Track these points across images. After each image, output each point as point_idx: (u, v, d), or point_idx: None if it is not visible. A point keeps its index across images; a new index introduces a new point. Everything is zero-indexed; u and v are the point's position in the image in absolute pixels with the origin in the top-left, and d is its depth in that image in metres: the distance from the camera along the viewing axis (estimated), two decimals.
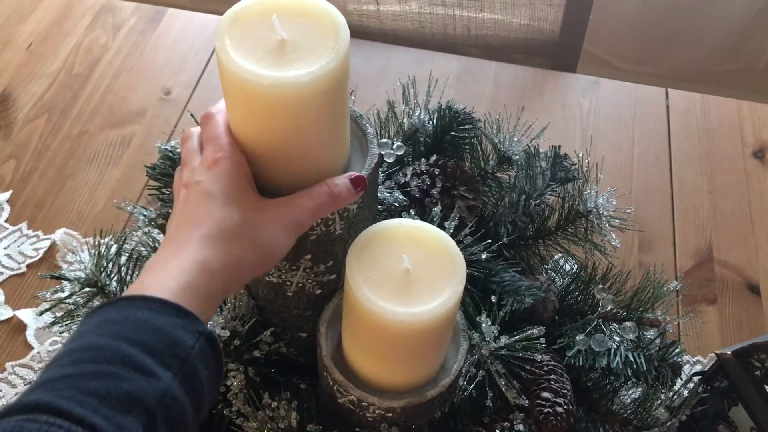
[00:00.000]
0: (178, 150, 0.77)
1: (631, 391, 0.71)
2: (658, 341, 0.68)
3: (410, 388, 0.57)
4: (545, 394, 0.65)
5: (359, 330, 0.53)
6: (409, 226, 0.54)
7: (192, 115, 0.82)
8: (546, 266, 0.80)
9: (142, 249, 0.75)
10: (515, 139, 0.81)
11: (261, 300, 0.63)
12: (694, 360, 0.79)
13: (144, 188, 0.90)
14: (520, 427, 0.63)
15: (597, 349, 0.68)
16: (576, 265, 0.81)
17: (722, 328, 0.83)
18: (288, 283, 0.59)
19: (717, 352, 0.65)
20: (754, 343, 0.61)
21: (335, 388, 0.57)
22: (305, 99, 0.45)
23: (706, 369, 0.69)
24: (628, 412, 0.67)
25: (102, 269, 0.70)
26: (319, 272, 0.58)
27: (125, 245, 0.73)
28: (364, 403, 0.56)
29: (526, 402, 0.64)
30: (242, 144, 0.50)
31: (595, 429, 0.69)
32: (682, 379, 0.68)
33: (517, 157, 0.80)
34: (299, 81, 0.44)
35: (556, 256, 0.83)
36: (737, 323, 0.83)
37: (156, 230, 0.77)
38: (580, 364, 0.69)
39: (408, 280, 0.51)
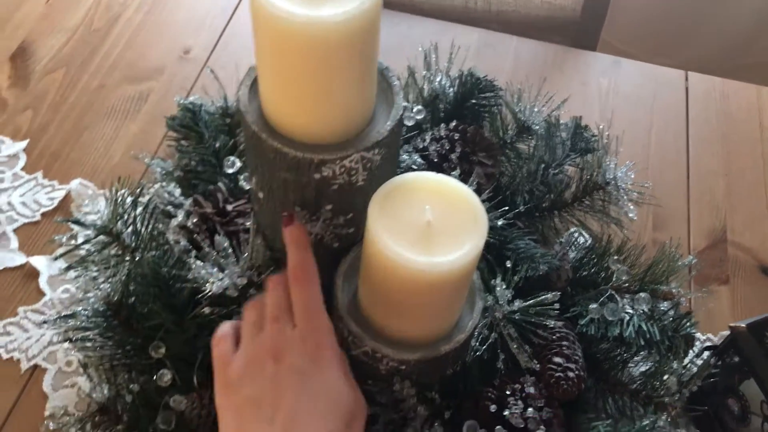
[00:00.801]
0: (198, 103, 0.77)
1: (640, 364, 0.71)
2: (671, 313, 0.68)
3: (424, 342, 0.57)
4: (557, 359, 0.65)
5: (378, 280, 0.53)
6: (431, 179, 0.53)
7: (212, 71, 0.82)
8: (560, 239, 0.80)
9: (158, 201, 0.75)
10: (535, 110, 0.81)
11: (278, 252, 0.63)
12: (704, 338, 0.79)
13: (161, 143, 0.90)
14: (531, 389, 0.63)
15: (610, 318, 0.68)
16: (590, 239, 0.81)
17: (733, 309, 0.83)
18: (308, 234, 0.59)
19: (731, 324, 0.64)
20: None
21: (350, 339, 0.57)
22: (339, 39, 0.45)
23: (717, 345, 0.69)
24: (638, 383, 0.67)
25: (117, 218, 0.70)
26: (339, 224, 0.58)
27: (141, 197, 0.73)
28: (378, 355, 0.56)
29: (538, 366, 0.65)
30: (270, 80, 0.50)
31: (603, 399, 0.69)
32: (693, 352, 0.68)
33: (537, 126, 0.80)
34: (333, 20, 0.44)
35: (571, 230, 0.82)
36: (748, 305, 0.83)
37: (173, 183, 0.77)
38: (592, 333, 0.69)
39: (429, 231, 0.51)
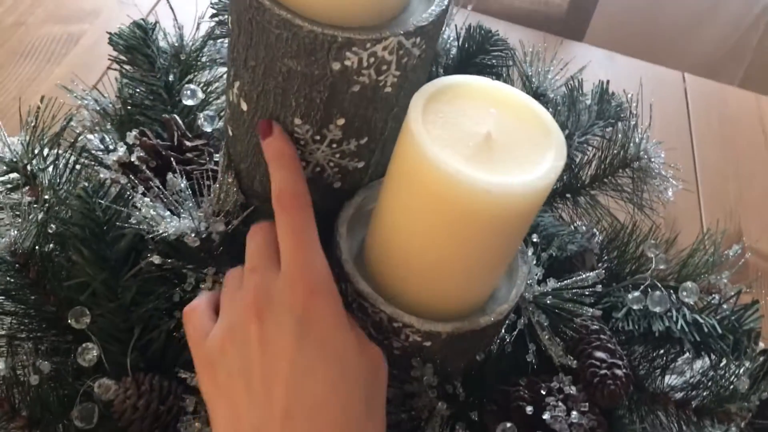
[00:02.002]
0: (152, 21, 0.61)
1: (680, 373, 0.58)
2: (725, 306, 0.56)
3: (454, 313, 0.42)
4: (600, 354, 0.51)
5: (412, 213, 0.39)
6: (488, 85, 0.40)
7: (168, 2, 0.67)
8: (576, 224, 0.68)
9: (90, 138, 0.58)
10: (549, 76, 0.69)
11: (254, 196, 0.48)
12: None
13: (95, 84, 0.73)
14: (572, 389, 0.49)
15: (656, 309, 0.55)
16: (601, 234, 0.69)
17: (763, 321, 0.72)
18: (303, 165, 0.44)
19: None
20: None
21: (356, 304, 0.42)
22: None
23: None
24: (687, 391, 0.55)
25: (33, 154, 0.53)
26: (347, 153, 0.43)
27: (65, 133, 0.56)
28: (396, 325, 0.41)
29: (574, 363, 0.51)
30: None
31: (638, 411, 0.56)
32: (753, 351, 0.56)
33: (553, 95, 0.68)
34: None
35: (578, 223, 0.70)
36: None
37: (109, 124, 0.61)
38: (630, 328, 0.56)
39: (490, 147, 0.37)
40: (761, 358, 0.57)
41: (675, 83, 0.96)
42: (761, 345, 0.65)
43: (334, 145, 0.43)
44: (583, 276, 0.52)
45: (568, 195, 0.68)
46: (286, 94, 0.41)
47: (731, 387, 0.52)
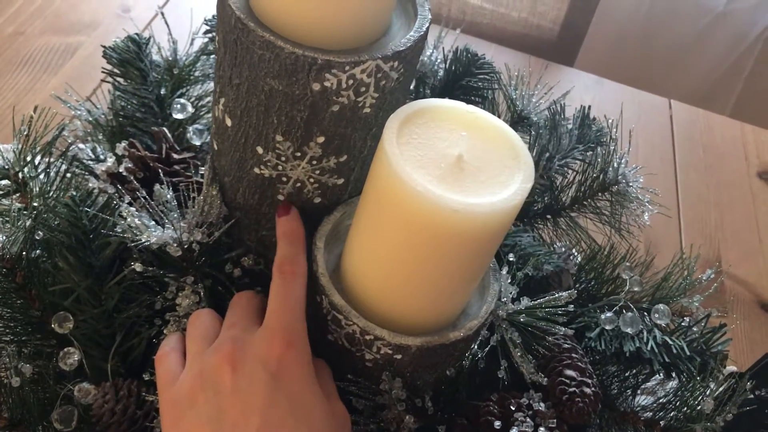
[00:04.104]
0: (146, 36, 0.63)
1: (649, 393, 0.60)
2: (695, 329, 0.57)
3: (426, 327, 0.44)
4: (570, 372, 0.53)
5: (385, 229, 0.40)
6: (461, 108, 0.42)
7: (163, 14, 0.68)
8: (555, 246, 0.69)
9: (82, 148, 0.60)
10: (533, 100, 0.71)
11: (237, 209, 0.49)
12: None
13: (90, 96, 0.75)
14: (541, 406, 0.50)
15: (627, 330, 0.57)
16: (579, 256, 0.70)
17: (734, 345, 0.73)
18: (284, 180, 0.45)
19: None
20: None
21: (331, 316, 0.44)
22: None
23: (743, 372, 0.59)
24: (653, 411, 0.56)
25: (24, 162, 0.55)
26: (327, 169, 0.45)
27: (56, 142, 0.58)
28: (368, 337, 0.43)
29: (545, 380, 0.52)
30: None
31: (608, 429, 0.57)
32: (722, 375, 0.57)
33: (536, 118, 0.70)
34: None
35: (558, 244, 0.72)
36: (749, 341, 0.74)
37: (101, 135, 0.62)
38: (603, 348, 0.58)
39: (462, 168, 0.39)
40: (729, 380, 0.58)
41: (661, 109, 0.98)
42: (733, 368, 0.67)
43: (315, 162, 0.44)
44: (557, 295, 0.54)
45: (549, 216, 0.70)
46: (269, 112, 0.42)
47: (698, 408, 0.53)
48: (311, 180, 0.45)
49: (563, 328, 0.54)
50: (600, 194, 0.67)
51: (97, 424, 0.44)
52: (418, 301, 0.42)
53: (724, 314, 0.74)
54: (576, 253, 0.66)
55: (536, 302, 0.53)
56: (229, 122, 0.45)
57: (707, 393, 0.54)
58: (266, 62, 0.40)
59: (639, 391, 0.57)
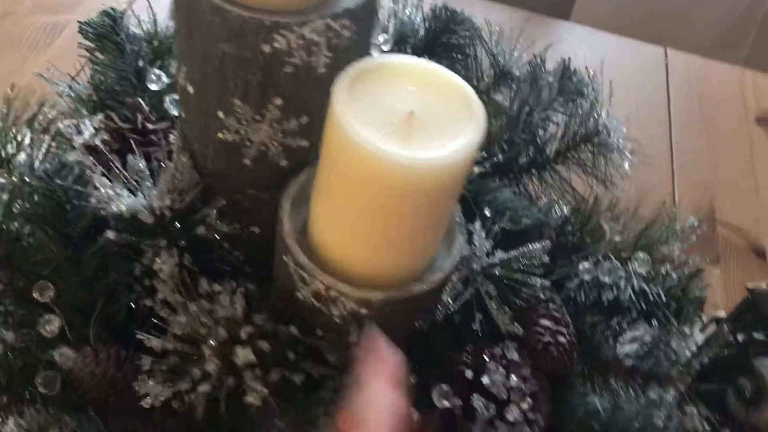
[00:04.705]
0: (121, 10, 0.63)
1: (629, 342, 0.60)
2: (674, 275, 0.57)
3: (392, 281, 0.44)
4: (545, 322, 0.53)
5: (339, 188, 0.41)
6: (413, 63, 0.42)
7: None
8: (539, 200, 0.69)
9: (67, 124, 0.61)
10: (516, 54, 0.71)
11: (209, 175, 0.50)
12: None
13: (76, 75, 0.76)
14: (515, 355, 0.51)
15: (605, 280, 0.57)
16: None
17: (726, 291, 0.74)
18: (247, 144, 0.46)
19: (749, 285, 0.55)
20: None
21: (297, 275, 0.45)
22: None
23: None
24: (635, 358, 0.56)
25: (5, 138, 0.56)
26: (289, 131, 0.46)
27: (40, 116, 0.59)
28: (332, 293, 0.44)
29: (521, 331, 0.53)
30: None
31: (592, 380, 0.58)
32: (702, 322, 0.57)
33: (519, 73, 0.70)
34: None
35: (544, 199, 0.72)
36: (743, 287, 0.74)
37: (84, 110, 0.63)
38: (582, 299, 0.58)
39: (412, 124, 0.39)
40: (710, 326, 0.59)
41: (657, 59, 0.96)
42: (718, 314, 0.67)
43: (276, 125, 0.45)
44: (532, 247, 0.54)
45: (534, 171, 0.70)
46: (224, 77, 0.43)
47: (675, 353, 0.54)
48: (275, 143, 0.46)
49: (539, 280, 0.55)
50: (583, 146, 0.67)
51: (78, 387, 0.46)
52: (379, 256, 0.43)
53: (711, 261, 0.74)
54: (559, 207, 0.66)
55: (511, 255, 0.54)
56: (191, 89, 0.46)
57: (685, 338, 0.54)
58: (216, 27, 0.40)
59: (624, 340, 0.58)
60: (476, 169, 0.61)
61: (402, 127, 0.39)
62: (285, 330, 0.44)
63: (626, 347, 0.57)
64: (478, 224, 0.54)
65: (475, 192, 0.61)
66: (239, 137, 0.46)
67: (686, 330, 0.55)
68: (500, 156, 0.65)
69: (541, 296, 0.56)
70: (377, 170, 0.38)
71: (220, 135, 0.46)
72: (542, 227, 0.62)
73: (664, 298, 0.55)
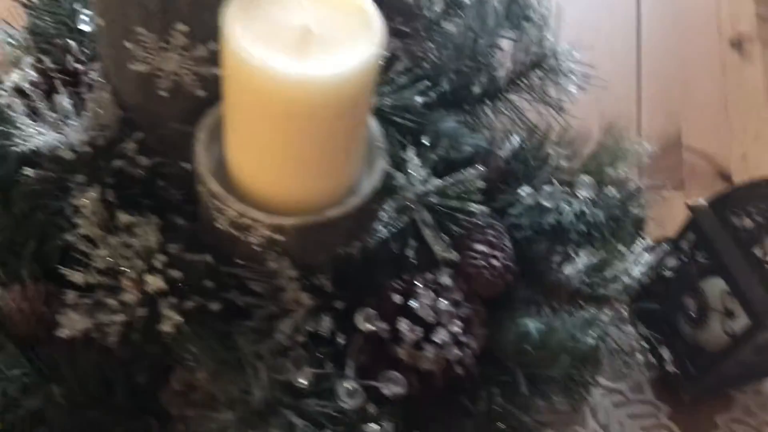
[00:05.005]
0: None
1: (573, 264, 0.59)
2: (618, 197, 0.56)
3: (305, 207, 0.44)
4: (479, 247, 0.53)
5: (242, 113, 0.41)
6: None
7: None
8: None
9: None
10: None
11: (130, 110, 0.50)
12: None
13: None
14: (447, 281, 0.51)
15: (546, 204, 0.57)
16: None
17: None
18: (159, 74, 0.46)
19: (689, 203, 0.53)
20: (735, 188, 0.50)
21: (213, 205, 0.45)
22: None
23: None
24: (578, 282, 0.56)
25: None
26: (200, 59, 0.45)
27: None
28: (246, 221, 0.43)
29: (457, 258, 0.53)
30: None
31: (537, 302, 0.57)
32: (645, 244, 0.56)
33: (469, 1, 0.68)
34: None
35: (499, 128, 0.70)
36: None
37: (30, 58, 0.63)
38: (526, 224, 0.57)
39: (308, 40, 0.39)
40: (655, 247, 0.58)
41: None
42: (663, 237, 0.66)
43: (184, 52, 0.44)
44: (466, 174, 0.53)
45: (487, 100, 0.69)
46: (124, 4, 0.42)
47: (617, 275, 0.53)
48: (186, 72, 0.46)
49: (477, 206, 0.54)
50: (533, 72, 0.66)
51: (7, 323, 0.47)
52: (288, 180, 0.43)
53: (675, 187, 0.73)
54: (509, 135, 0.65)
55: (446, 182, 0.53)
56: (101, 23, 0.46)
57: (624, 259, 0.53)
58: None
59: (567, 263, 0.57)
60: (419, 99, 0.60)
61: (298, 44, 0.38)
62: (200, 259, 0.44)
63: (569, 270, 0.57)
64: (411, 152, 0.53)
65: (420, 122, 0.60)
66: (150, 67, 0.45)
67: (629, 251, 0.54)
68: (447, 86, 0.63)
69: (480, 222, 0.55)
70: (274, 90, 0.38)
71: (132, 66, 0.46)
72: (488, 156, 0.61)
73: (602, 219, 0.54)
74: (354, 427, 0.42)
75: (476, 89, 0.68)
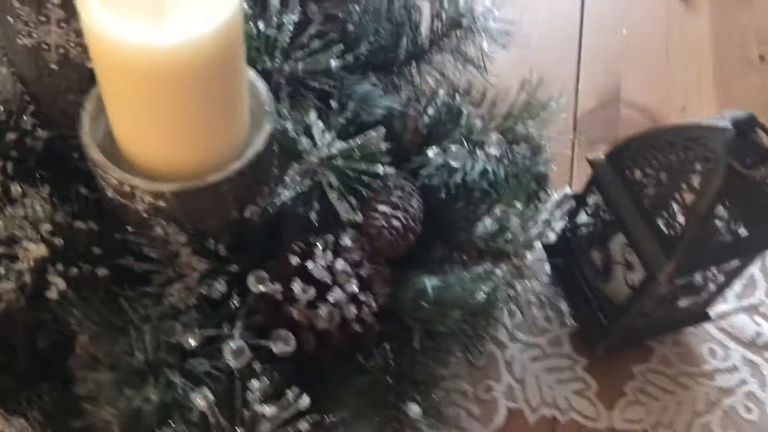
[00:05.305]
0: None
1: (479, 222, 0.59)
2: (527, 153, 0.57)
3: (187, 173, 0.45)
4: (382, 207, 0.54)
5: (110, 83, 0.41)
6: None
7: None
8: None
9: None
10: None
11: (28, 84, 0.51)
12: None
13: None
14: (348, 242, 0.52)
15: (453, 164, 0.57)
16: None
17: None
18: (45, 47, 0.46)
19: (589, 157, 0.54)
20: (628, 140, 0.50)
21: (97, 173, 0.46)
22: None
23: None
24: (485, 239, 0.56)
25: None
26: (79, 31, 0.46)
27: None
28: (127, 188, 0.45)
29: (362, 219, 0.53)
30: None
31: (451, 262, 0.58)
32: (554, 200, 0.57)
33: None
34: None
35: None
36: None
37: None
38: (437, 183, 0.58)
39: (163, 5, 0.39)
40: (563, 202, 0.58)
41: None
42: (567, 190, 0.66)
43: (63, 25, 0.45)
44: (369, 136, 0.54)
45: (413, 62, 0.69)
46: None
47: (515, 231, 0.53)
48: (71, 44, 0.46)
49: (382, 168, 0.55)
50: (453, 32, 0.66)
51: None
52: (166, 146, 0.44)
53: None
54: (431, 97, 0.65)
55: (350, 144, 0.54)
56: None
57: (526, 215, 0.54)
58: None
59: (474, 221, 0.58)
60: (333, 63, 0.60)
61: (153, 10, 0.39)
62: (85, 227, 0.45)
63: (476, 227, 0.57)
64: (313, 115, 0.54)
65: (336, 86, 0.60)
66: (35, 41, 0.46)
67: (532, 207, 0.54)
68: (364, 49, 0.63)
69: (389, 184, 0.56)
70: (131, 59, 0.38)
71: (19, 41, 0.47)
72: (403, 117, 0.62)
73: (503, 176, 0.54)
74: (233, 383, 0.44)
75: (401, 52, 0.68)
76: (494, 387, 0.58)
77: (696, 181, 0.46)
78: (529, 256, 0.53)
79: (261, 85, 0.50)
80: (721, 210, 0.48)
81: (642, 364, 0.60)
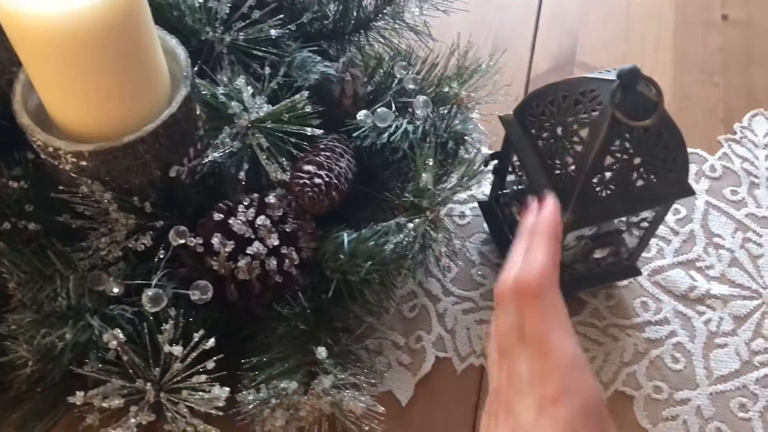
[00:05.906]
0: None
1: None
2: (450, 114, 0.59)
3: (107, 135, 0.49)
4: (307, 167, 0.57)
5: (21, 53, 0.45)
6: None
7: None
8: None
9: None
10: None
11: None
12: None
13: None
14: (272, 199, 0.55)
15: (380, 125, 0.60)
16: None
17: None
18: None
19: (499, 115, 0.56)
20: (530, 95, 0.52)
21: (29, 138, 0.50)
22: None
23: None
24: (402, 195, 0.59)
25: None
26: None
27: None
28: (50, 149, 0.49)
29: (288, 178, 0.57)
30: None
31: (384, 216, 0.61)
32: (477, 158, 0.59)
33: None
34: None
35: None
36: None
37: None
38: (367, 145, 0.61)
39: None
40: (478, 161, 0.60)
41: None
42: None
43: None
44: (295, 98, 0.57)
45: (362, 31, 0.71)
46: None
47: (429, 187, 0.56)
48: None
49: (312, 130, 0.57)
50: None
51: None
52: (82, 110, 0.47)
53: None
54: (369, 62, 0.68)
55: (276, 108, 0.57)
56: None
57: (444, 173, 0.56)
58: None
59: (402, 180, 0.60)
60: (273, 32, 0.63)
61: None
62: (17, 185, 0.50)
63: (408, 188, 0.60)
64: (241, 80, 0.57)
65: (277, 54, 0.63)
66: None
67: (448, 166, 0.57)
68: (306, 18, 0.66)
69: (320, 145, 0.59)
70: (29, 28, 0.42)
71: None
72: (344, 83, 0.64)
73: (418, 136, 0.56)
74: (149, 326, 0.48)
75: (349, 21, 0.71)
76: (424, 337, 0.61)
77: (585, 133, 0.48)
78: (443, 210, 0.55)
79: (181, 51, 0.53)
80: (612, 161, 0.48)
81: (573, 317, 0.62)
